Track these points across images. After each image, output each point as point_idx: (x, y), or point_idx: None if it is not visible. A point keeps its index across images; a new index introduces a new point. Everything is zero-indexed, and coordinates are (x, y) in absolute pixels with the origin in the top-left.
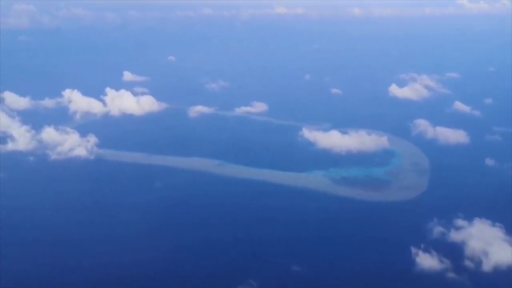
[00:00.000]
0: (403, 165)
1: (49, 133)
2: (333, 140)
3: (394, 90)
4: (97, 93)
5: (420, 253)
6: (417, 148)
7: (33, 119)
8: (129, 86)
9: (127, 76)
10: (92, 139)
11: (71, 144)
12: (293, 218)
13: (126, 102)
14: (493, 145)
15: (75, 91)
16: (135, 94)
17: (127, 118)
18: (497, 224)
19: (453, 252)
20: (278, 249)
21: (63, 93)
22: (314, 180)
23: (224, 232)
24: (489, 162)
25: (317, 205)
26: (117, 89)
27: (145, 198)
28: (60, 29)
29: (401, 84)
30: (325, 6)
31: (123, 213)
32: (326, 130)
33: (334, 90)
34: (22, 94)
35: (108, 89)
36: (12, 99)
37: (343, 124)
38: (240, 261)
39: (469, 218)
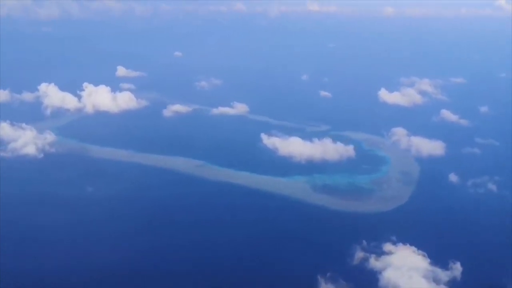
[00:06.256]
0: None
1: (3, 129)
2: (294, 147)
3: (384, 95)
4: (79, 88)
5: (323, 283)
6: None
7: (1, 113)
8: (118, 82)
9: (121, 71)
10: (49, 136)
11: (25, 141)
12: (240, 226)
13: (102, 99)
14: (468, 159)
15: (52, 85)
16: (120, 90)
17: (100, 115)
18: (421, 251)
19: (366, 283)
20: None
21: (39, 87)
22: (294, 186)
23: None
24: (453, 178)
25: (278, 214)
26: (106, 84)
27: (77, 193)
28: (87, 20)
29: (397, 88)
30: (358, 4)
31: (49, 213)
32: (292, 134)
33: (323, 93)
34: (4, 86)
35: (85, 84)
36: None
37: (319, 128)
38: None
39: (399, 242)
